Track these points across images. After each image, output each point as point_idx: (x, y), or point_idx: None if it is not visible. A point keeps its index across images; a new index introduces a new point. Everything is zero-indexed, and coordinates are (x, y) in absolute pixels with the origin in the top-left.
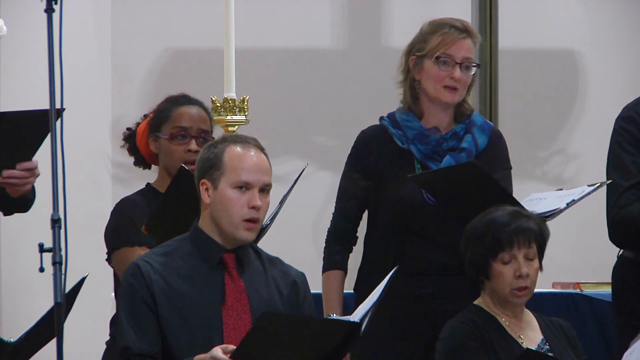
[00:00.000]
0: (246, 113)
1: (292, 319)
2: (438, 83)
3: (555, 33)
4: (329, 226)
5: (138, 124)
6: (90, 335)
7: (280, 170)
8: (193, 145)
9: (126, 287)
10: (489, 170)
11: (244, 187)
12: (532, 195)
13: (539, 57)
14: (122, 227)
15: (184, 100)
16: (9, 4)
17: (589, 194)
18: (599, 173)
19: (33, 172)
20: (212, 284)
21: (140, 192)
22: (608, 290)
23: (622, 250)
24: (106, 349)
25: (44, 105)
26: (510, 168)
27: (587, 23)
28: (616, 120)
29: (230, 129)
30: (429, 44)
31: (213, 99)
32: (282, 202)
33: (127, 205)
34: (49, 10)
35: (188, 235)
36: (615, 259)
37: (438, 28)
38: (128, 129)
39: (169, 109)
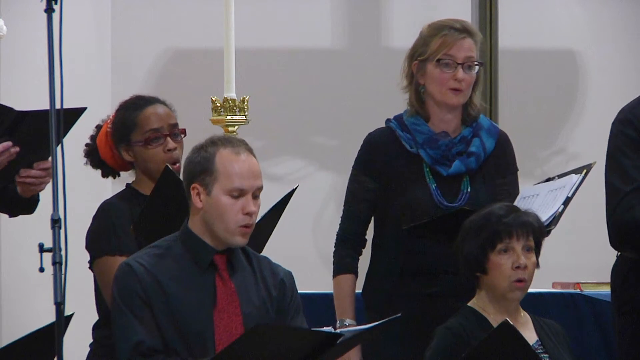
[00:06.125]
0: (246, 113)
1: (279, 330)
2: (443, 86)
3: (555, 33)
4: (337, 230)
5: (93, 137)
6: (87, 336)
7: (280, 170)
8: (170, 143)
9: (123, 287)
10: (497, 174)
11: (238, 193)
12: (523, 192)
13: (539, 57)
14: (103, 234)
15: (142, 102)
16: (9, 4)
17: (580, 183)
18: (599, 173)
19: (49, 172)
20: (203, 286)
21: (121, 195)
22: (608, 290)
23: None
24: (90, 352)
25: (44, 105)
26: (517, 170)
27: (587, 23)
28: (613, 123)
29: (230, 129)
30: (430, 47)
31: (213, 99)
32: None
33: (110, 210)
34: (49, 10)
35: (178, 236)
36: (615, 258)
37: (437, 31)
38: (87, 145)
39: (132, 115)
